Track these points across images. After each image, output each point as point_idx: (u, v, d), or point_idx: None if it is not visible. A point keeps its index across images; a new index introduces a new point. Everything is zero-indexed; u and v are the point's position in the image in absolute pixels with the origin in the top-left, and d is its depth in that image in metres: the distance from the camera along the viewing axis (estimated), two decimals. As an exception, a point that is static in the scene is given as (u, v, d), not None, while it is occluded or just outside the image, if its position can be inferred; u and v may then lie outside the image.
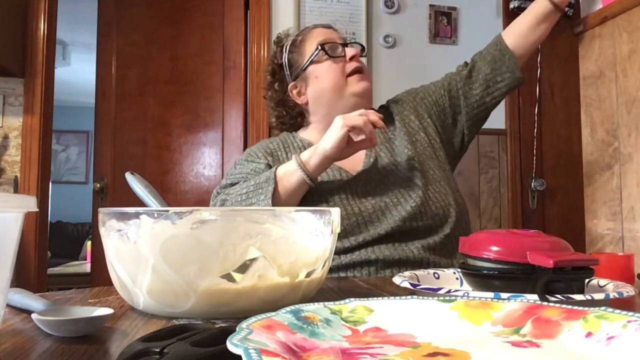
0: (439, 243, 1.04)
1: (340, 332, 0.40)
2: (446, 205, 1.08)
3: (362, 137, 1.01)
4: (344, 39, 1.23)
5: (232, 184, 1.11)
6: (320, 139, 1.04)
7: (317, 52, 1.18)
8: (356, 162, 1.13)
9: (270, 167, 1.10)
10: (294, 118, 1.24)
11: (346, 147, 1.00)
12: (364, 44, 2.48)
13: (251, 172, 1.12)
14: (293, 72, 1.22)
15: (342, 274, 1.02)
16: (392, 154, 1.15)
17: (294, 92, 1.21)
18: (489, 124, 2.76)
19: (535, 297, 0.52)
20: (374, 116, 1.01)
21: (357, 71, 1.17)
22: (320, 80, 1.18)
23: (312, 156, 1.01)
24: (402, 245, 1.02)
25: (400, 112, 1.23)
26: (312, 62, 1.18)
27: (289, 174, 1.01)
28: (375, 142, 1.02)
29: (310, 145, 1.14)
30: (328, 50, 1.18)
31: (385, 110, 1.27)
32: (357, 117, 0.99)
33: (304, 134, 1.24)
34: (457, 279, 0.73)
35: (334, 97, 1.17)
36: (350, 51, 1.18)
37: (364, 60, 1.29)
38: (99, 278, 2.49)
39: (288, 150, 1.17)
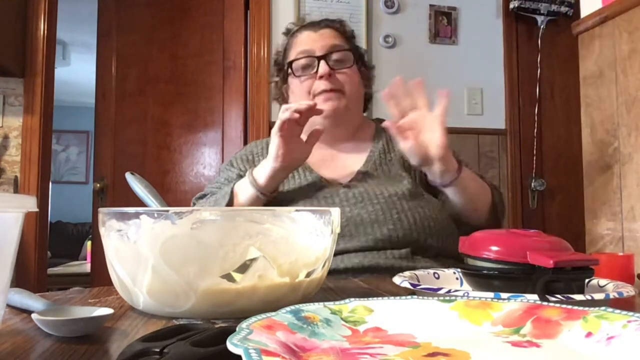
0: (411, 256, 0.98)
1: (340, 332, 0.40)
2: (426, 235, 1.00)
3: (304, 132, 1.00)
4: (331, 47, 1.13)
5: (205, 195, 1.11)
6: None
7: (287, 69, 1.15)
8: (342, 175, 1.09)
9: (241, 176, 1.08)
10: None
11: (295, 149, 0.99)
12: (364, 44, 2.47)
13: (224, 181, 1.11)
14: (283, 76, 1.19)
15: None
16: (387, 176, 1.09)
17: (287, 93, 1.19)
18: (489, 124, 2.77)
19: (535, 297, 0.52)
20: (298, 106, 0.97)
21: (323, 92, 1.09)
22: (292, 96, 1.16)
23: (261, 169, 1.01)
24: (372, 252, 0.97)
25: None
26: (289, 74, 1.16)
27: (243, 189, 1.01)
28: (319, 112, 1.00)
29: None
30: (295, 70, 1.13)
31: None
32: (279, 119, 0.97)
33: None
34: (457, 279, 0.73)
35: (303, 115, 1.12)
36: (321, 69, 1.09)
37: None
38: (99, 278, 2.49)
39: None
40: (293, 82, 1.15)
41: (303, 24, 1.21)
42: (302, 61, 1.13)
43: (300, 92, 1.13)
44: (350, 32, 1.23)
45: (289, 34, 1.21)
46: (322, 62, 1.10)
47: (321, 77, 1.09)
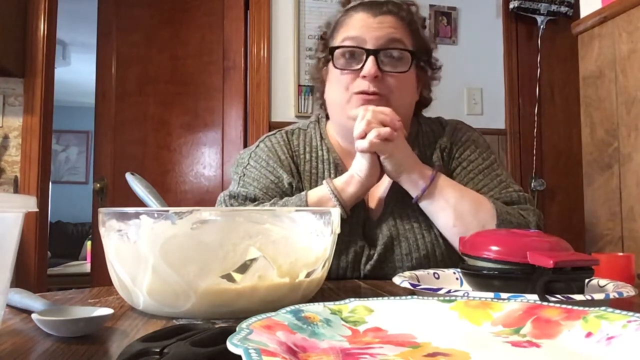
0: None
1: (340, 332, 0.40)
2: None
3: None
4: (387, 42, 0.93)
5: (247, 197, 0.95)
6: (339, 141, 1.00)
7: (328, 54, 0.98)
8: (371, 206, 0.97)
9: (292, 179, 0.97)
10: (325, 104, 1.05)
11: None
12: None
13: (271, 184, 0.96)
14: (325, 57, 1.01)
15: None
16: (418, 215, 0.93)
17: (325, 78, 1.02)
18: (488, 124, 2.77)
19: (535, 297, 0.52)
20: (380, 115, 0.86)
21: (363, 93, 0.92)
22: (329, 88, 0.99)
23: (349, 188, 0.89)
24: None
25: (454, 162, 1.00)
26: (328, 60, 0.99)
27: (323, 202, 0.89)
28: (390, 135, 0.85)
29: (335, 152, 1.01)
30: (336, 59, 0.95)
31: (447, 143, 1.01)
32: (358, 140, 0.87)
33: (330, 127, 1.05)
34: (457, 279, 0.73)
35: (336, 113, 0.99)
36: (366, 68, 0.91)
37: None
38: (99, 278, 2.49)
39: (312, 156, 1.01)
40: (332, 71, 0.97)
41: (362, 1, 0.98)
42: (341, 53, 0.95)
43: (337, 87, 0.95)
44: (419, 21, 1.00)
45: (344, 7, 1.01)
46: (371, 59, 0.91)
47: (364, 77, 0.92)
